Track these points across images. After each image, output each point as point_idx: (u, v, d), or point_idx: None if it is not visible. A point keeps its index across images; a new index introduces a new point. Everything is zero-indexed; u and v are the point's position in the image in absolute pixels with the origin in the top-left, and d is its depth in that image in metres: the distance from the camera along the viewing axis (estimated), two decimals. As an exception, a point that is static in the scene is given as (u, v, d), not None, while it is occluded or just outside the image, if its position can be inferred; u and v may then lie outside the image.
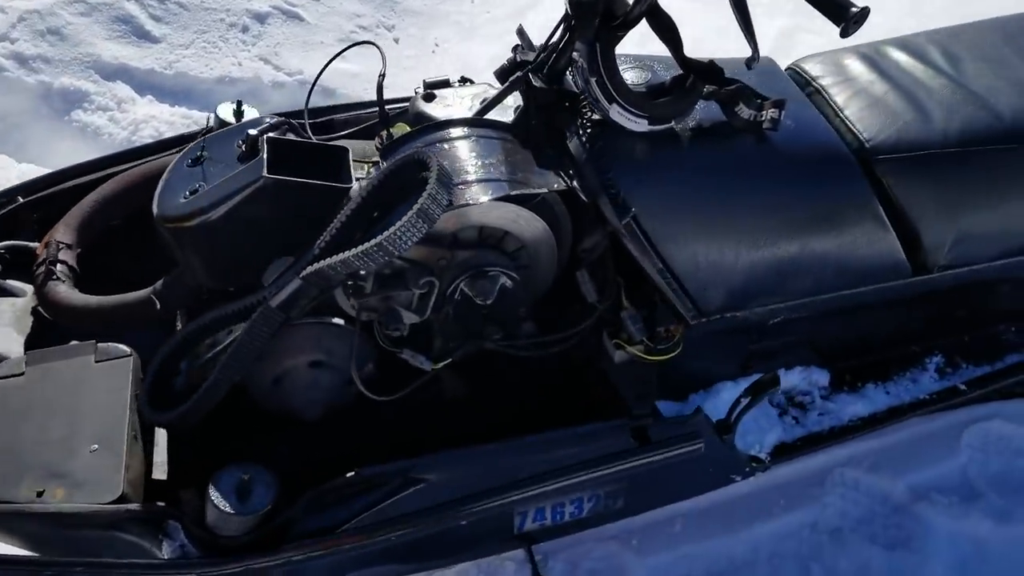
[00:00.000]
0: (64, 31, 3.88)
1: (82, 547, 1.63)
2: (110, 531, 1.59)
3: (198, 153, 1.85)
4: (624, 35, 1.62)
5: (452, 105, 1.95)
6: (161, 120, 3.71)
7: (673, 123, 1.68)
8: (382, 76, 1.91)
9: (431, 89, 2.08)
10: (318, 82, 3.98)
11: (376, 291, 1.59)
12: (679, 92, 1.65)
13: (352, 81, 4.22)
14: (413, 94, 2.11)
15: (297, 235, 1.64)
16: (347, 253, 1.47)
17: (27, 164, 3.41)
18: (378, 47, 2.05)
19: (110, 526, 1.57)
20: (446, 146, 1.69)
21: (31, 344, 2.07)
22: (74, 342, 1.92)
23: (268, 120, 1.93)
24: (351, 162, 1.75)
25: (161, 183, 1.85)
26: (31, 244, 2.28)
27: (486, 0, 5.14)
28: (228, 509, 1.48)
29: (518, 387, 1.84)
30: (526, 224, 1.66)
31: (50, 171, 2.56)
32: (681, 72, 1.66)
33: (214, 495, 1.50)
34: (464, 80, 2.29)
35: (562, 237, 1.73)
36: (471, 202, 1.58)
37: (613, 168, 1.65)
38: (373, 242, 1.44)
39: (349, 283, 1.56)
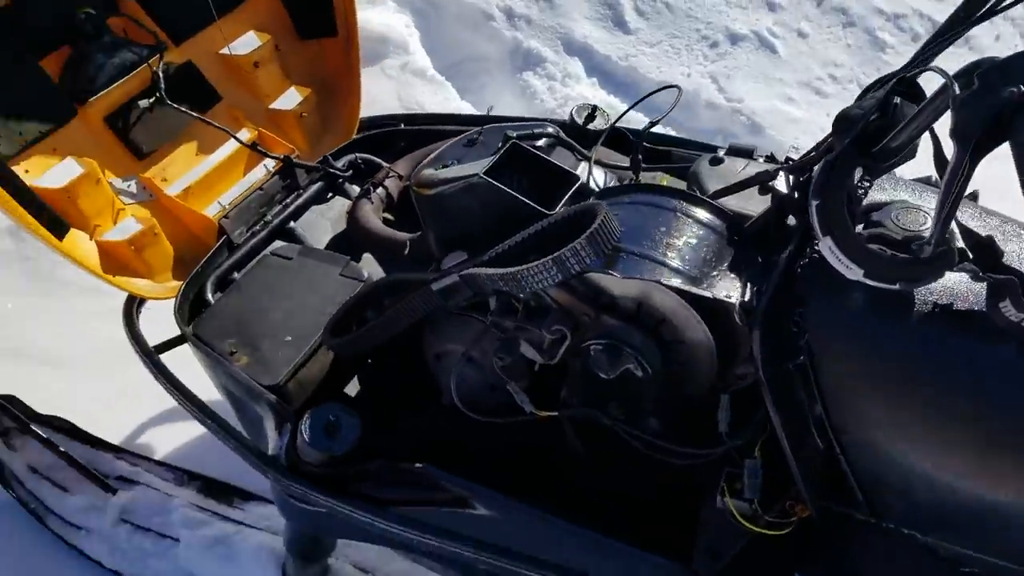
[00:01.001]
0: (556, 2, 4.27)
1: (232, 402, 1.92)
2: (254, 404, 1.83)
3: (476, 136, 1.96)
4: (870, 166, 1.35)
5: (724, 177, 1.80)
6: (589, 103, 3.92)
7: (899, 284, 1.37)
8: (652, 124, 1.83)
9: (728, 154, 1.93)
10: (750, 116, 3.95)
11: (517, 317, 1.57)
12: (923, 259, 1.34)
13: (787, 126, 4.02)
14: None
15: (488, 235, 1.67)
16: (493, 270, 1.48)
17: (466, 102, 3.88)
18: (679, 90, 1.95)
19: (254, 400, 1.82)
20: (652, 212, 1.58)
21: (338, 241, 2.43)
22: (336, 253, 2.19)
23: (541, 128, 1.97)
24: (578, 192, 1.72)
25: (436, 151, 1.99)
26: (379, 161, 2.60)
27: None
28: (306, 439, 1.62)
29: (614, 467, 1.69)
30: (687, 322, 1.49)
31: (438, 112, 2.90)
32: (938, 231, 1.34)
33: (303, 423, 1.65)
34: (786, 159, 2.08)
35: (729, 352, 1.53)
36: (638, 276, 1.47)
37: (809, 304, 1.40)
38: (510, 270, 1.43)
39: (498, 297, 1.56)
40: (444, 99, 3.84)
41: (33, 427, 2.56)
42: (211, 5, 2.50)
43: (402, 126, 2.81)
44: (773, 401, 1.39)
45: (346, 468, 1.68)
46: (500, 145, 1.87)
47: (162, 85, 2.40)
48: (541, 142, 1.98)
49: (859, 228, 1.43)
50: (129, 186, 2.36)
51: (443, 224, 1.86)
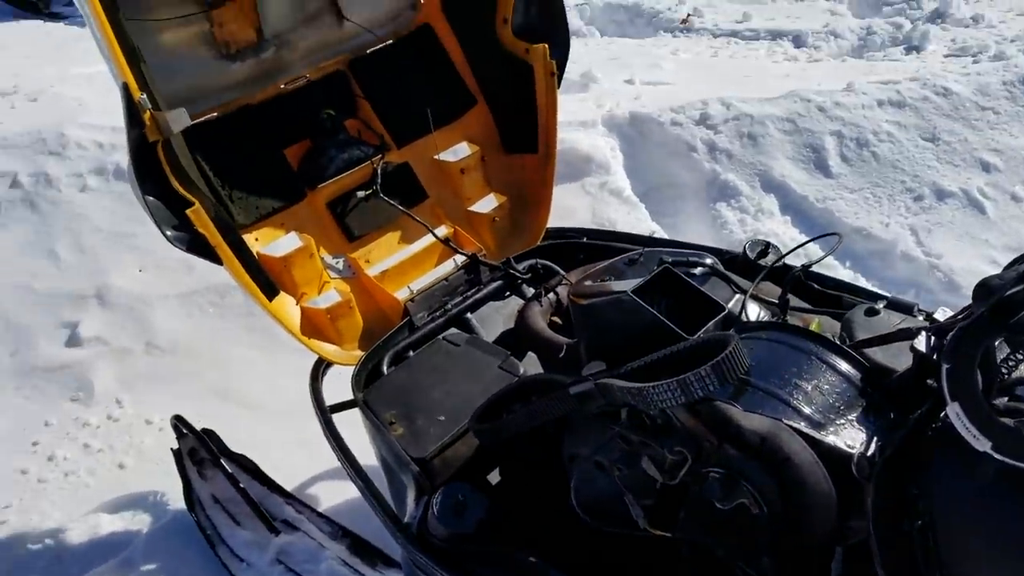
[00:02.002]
0: (760, 140, 4.35)
1: (384, 468, 2.08)
2: (401, 473, 1.98)
3: (637, 256, 2.06)
4: (1009, 338, 1.31)
5: (877, 329, 1.79)
6: (779, 240, 3.93)
7: (1032, 460, 1.31)
8: (807, 265, 1.85)
9: (888, 307, 1.92)
10: (948, 274, 3.76)
11: (644, 432, 1.62)
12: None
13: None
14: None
15: (629, 349, 1.75)
16: (625, 383, 1.56)
17: (656, 224, 4.00)
18: (840, 237, 1.96)
19: (401, 469, 1.96)
20: (786, 352, 1.60)
21: (506, 336, 2.60)
22: (499, 347, 2.34)
23: (699, 257, 2.04)
24: (722, 322, 1.77)
25: (603, 264, 2.11)
26: (557, 268, 2.75)
27: None
28: (435, 513, 1.73)
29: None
30: (809, 467, 1.49)
31: (620, 231, 3.04)
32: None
33: (435, 497, 1.77)
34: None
35: (849, 504, 1.50)
36: (761, 412, 1.50)
37: (933, 468, 1.37)
38: (639, 385, 1.50)
39: (630, 410, 1.63)
40: (636, 219, 3.99)
41: (223, 462, 2.86)
42: (430, 119, 2.80)
43: (584, 240, 2.96)
44: (882, 561, 1.35)
45: (469, 547, 1.76)
46: (655, 267, 1.96)
47: (379, 181, 2.71)
48: (697, 270, 2.04)
49: (999, 400, 1.39)
50: (337, 263, 2.65)
51: (591, 333, 1.96)
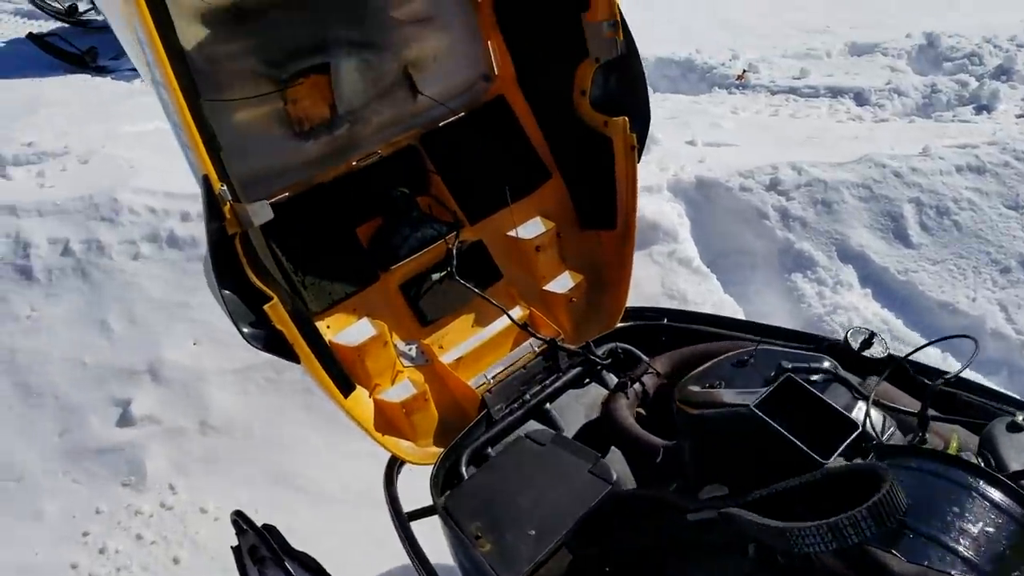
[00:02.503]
0: (835, 207, 4.21)
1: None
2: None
3: (747, 357, 1.93)
4: None
5: None
6: (860, 316, 3.78)
7: None
8: (948, 379, 1.71)
9: None
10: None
11: (776, 570, 1.48)
12: None
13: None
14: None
15: (751, 470, 1.62)
16: (758, 518, 1.42)
17: (728, 295, 3.86)
18: (976, 345, 1.82)
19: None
20: (942, 486, 1.45)
21: (589, 429, 2.47)
22: (587, 448, 2.21)
23: (818, 361, 1.90)
24: (855, 438, 1.63)
25: (708, 364, 1.98)
26: (639, 354, 2.63)
27: None
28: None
29: None
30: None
31: (703, 312, 2.92)
32: None
33: None
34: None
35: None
36: (925, 563, 1.35)
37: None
38: (779, 524, 1.37)
39: (758, 544, 1.49)
40: (707, 291, 3.85)
41: (286, 561, 2.73)
42: (507, 195, 2.71)
43: (665, 321, 2.84)
44: None
45: None
46: (772, 374, 1.83)
47: (455, 263, 2.61)
48: (816, 376, 1.91)
49: None
50: (410, 349, 2.54)
51: (703, 447, 1.83)
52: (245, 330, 1.92)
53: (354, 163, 2.60)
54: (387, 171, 2.64)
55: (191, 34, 2.05)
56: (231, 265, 1.87)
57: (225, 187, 1.75)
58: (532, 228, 2.76)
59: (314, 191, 2.48)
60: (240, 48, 2.24)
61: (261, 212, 1.80)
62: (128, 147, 5.23)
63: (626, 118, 2.68)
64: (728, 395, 1.82)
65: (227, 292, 1.88)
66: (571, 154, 2.89)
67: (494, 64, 2.89)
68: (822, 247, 4.05)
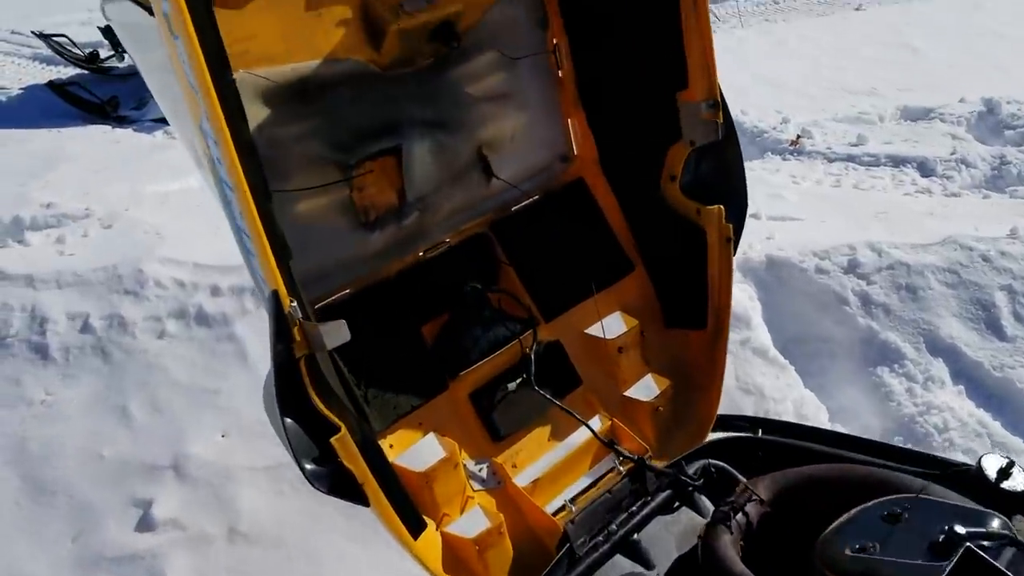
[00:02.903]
0: (920, 293, 3.94)
1: None
2: None
3: (898, 510, 1.67)
4: None
5: None
6: (956, 416, 3.47)
7: None
8: None
9: None
10: None
11: None
12: None
13: None
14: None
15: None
16: None
17: (809, 391, 3.57)
18: None
19: None
20: None
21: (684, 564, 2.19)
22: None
23: (989, 523, 1.64)
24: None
25: (843, 517, 1.73)
26: (737, 475, 2.36)
27: None
28: None
29: None
30: None
31: (801, 424, 2.65)
32: None
33: None
34: None
35: None
36: None
37: None
38: None
39: None
40: (786, 385, 3.56)
41: None
42: (593, 289, 2.47)
43: (760, 433, 2.58)
44: None
45: None
46: (939, 538, 1.57)
47: (532, 369, 2.36)
48: (990, 542, 1.64)
49: None
50: (481, 470, 2.28)
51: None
52: (308, 467, 1.66)
53: (421, 254, 2.37)
54: (455, 262, 2.41)
55: (252, 117, 1.82)
56: (295, 390, 1.61)
57: (296, 304, 1.50)
58: (614, 326, 2.53)
59: (377, 287, 2.25)
60: (304, 130, 2.01)
61: (336, 334, 1.54)
62: (153, 210, 5.01)
63: (721, 207, 2.45)
64: (890, 568, 1.56)
65: (289, 422, 1.62)
66: (657, 244, 2.65)
67: (574, 144, 2.67)
68: (909, 338, 3.77)
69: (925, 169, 5.98)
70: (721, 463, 2.38)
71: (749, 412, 3.42)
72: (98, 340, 3.72)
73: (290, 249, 1.62)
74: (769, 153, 6.55)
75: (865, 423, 3.55)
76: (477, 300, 2.41)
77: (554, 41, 2.51)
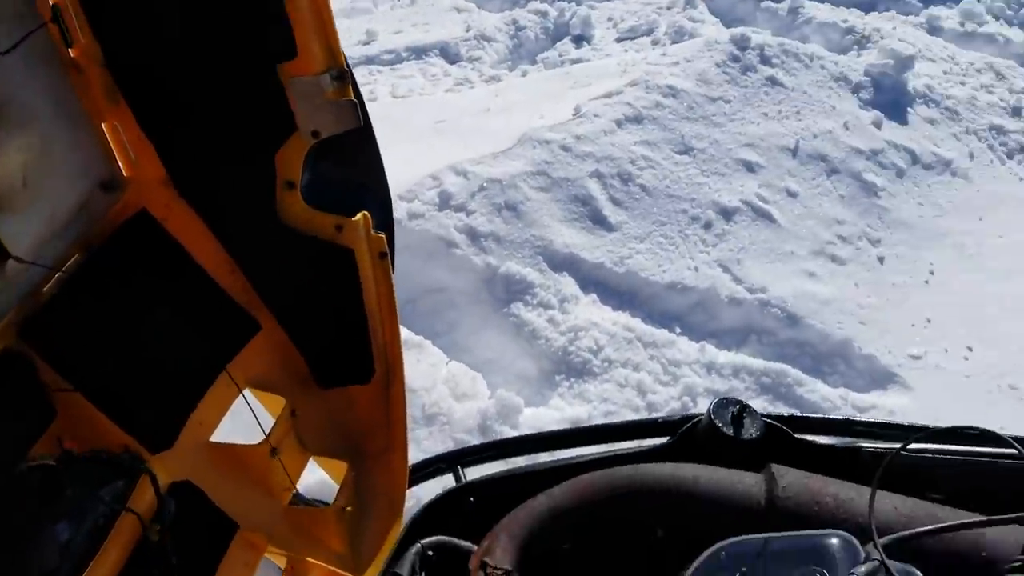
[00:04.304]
0: (521, 207, 3.77)
1: None
2: None
3: (721, 555, 1.37)
4: None
5: None
6: (602, 330, 3.40)
7: None
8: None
9: None
10: (781, 307, 3.59)
11: None
12: None
13: (822, 309, 3.68)
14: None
15: None
16: None
17: (456, 363, 3.26)
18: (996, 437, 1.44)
19: None
20: None
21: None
22: None
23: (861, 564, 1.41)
24: None
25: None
26: (464, 545, 1.93)
27: (998, 219, 4.38)
28: None
29: None
30: None
31: (501, 440, 2.29)
32: None
33: None
34: None
35: None
36: None
37: None
38: None
39: None
40: (430, 365, 3.20)
41: None
42: (206, 369, 1.83)
43: (462, 472, 2.17)
44: None
45: None
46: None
47: (170, 552, 1.68)
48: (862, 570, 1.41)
49: None
50: None
51: None
52: None
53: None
54: None
55: None
56: None
57: None
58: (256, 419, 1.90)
59: None
60: None
61: None
62: None
63: (366, 213, 1.86)
64: None
65: None
66: (285, 282, 1.99)
67: (120, 162, 1.85)
68: (529, 261, 3.59)
69: (449, 55, 5.85)
70: (437, 539, 1.94)
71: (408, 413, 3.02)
72: None
73: None
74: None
75: (520, 370, 3.36)
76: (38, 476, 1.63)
77: (51, 2, 1.62)
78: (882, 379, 3.45)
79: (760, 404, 3.31)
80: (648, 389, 3.27)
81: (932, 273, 3.95)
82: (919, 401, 3.32)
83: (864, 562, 1.26)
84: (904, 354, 3.52)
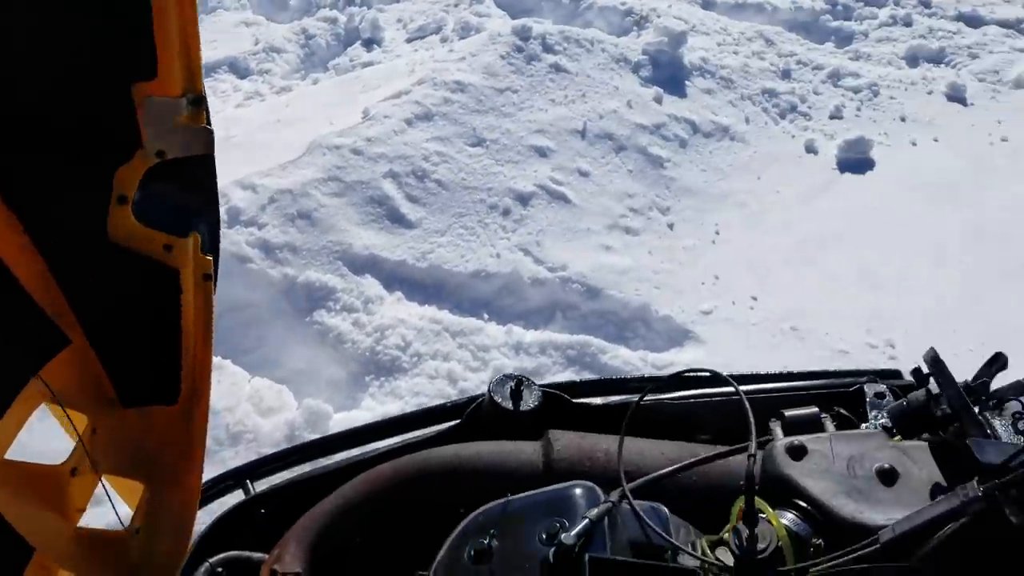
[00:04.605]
0: (315, 215, 3.78)
1: None
2: None
3: (483, 545, 1.42)
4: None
5: (830, 470, 1.42)
6: (409, 326, 3.47)
7: None
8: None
9: (796, 434, 1.55)
10: (581, 281, 3.77)
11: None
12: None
13: (620, 279, 3.88)
14: (771, 430, 1.62)
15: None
16: None
17: (260, 379, 3.25)
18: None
19: None
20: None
21: None
22: None
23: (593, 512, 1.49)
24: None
25: (435, 565, 1.45)
26: (256, 556, 1.95)
27: (774, 177, 4.73)
28: None
29: None
30: None
31: (281, 449, 2.31)
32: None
33: None
34: (836, 413, 1.75)
35: None
36: None
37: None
38: None
39: None
40: (231, 384, 3.18)
41: None
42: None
43: (251, 485, 2.18)
44: None
45: None
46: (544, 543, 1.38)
47: None
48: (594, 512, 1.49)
49: None
50: None
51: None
52: None
53: None
54: None
55: None
56: None
57: None
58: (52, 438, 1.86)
59: None
60: None
61: None
62: None
63: (197, 235, 1.85)
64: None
65: None
66: (102, 298, 1.95)
67: None
68: (328, 267, 3.61)
69: (239, 69, 5.77)
70: (228, 555, 1.95)
71: (212, 435, 2.99)
72: None
73: None
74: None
75: (329, 376, 3.38)
76: None
77: None
78: (678, 337, 3.67)
79: (567, 375, 3.46)
80: (459, 377, 3.36)
81: (718, 233, 4.21)
82: (712, 353, 3.55)
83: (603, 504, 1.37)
84: (696, 311, 3.75)
